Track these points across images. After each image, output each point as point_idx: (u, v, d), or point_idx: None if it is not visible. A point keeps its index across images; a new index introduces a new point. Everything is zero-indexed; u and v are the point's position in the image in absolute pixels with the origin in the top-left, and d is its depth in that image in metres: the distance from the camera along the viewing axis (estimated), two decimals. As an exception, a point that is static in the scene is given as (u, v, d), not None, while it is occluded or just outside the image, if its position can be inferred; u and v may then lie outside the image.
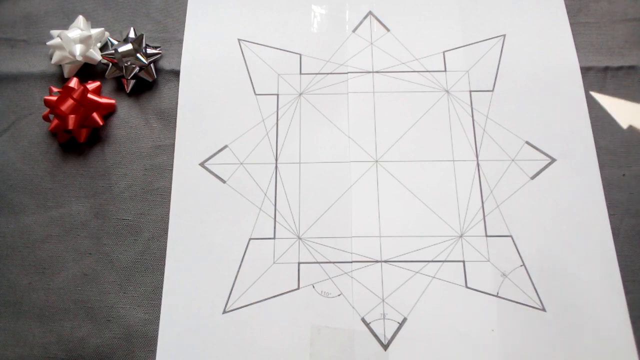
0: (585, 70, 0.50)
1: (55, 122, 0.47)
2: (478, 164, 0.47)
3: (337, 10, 0.53)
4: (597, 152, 0.47)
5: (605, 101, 0.49)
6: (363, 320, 0.42)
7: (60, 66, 0.51)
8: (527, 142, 0.48)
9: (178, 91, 0.50)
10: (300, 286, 0.43)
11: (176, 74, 0.51)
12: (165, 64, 0.51)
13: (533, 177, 0.46)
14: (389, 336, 0.42)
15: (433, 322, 0.42)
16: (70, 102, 0.46)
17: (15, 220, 0.46)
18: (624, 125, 0.48)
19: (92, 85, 0.49)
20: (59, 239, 0.46)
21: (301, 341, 0.42)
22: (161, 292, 0.44)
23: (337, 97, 0.50)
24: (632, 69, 0.50)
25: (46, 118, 0.48)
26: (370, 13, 0.53)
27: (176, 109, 0.49)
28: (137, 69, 0.49)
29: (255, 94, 0.50)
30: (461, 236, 0.45)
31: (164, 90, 0.50)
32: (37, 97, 0.50)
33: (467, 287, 0.43)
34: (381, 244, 0.44)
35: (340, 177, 0.47)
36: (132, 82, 0.50)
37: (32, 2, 0.54)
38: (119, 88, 0.51)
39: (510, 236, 0.45)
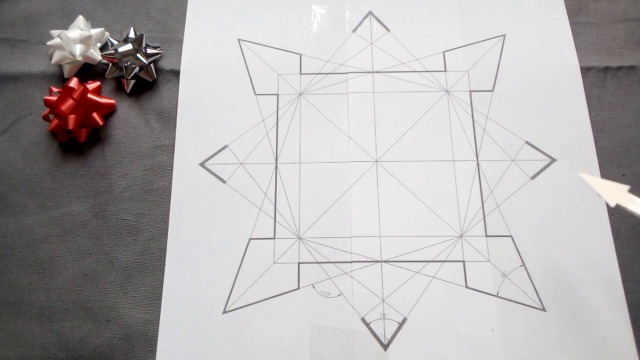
0: (585, 70, 0.50)
1: (55, 122, 0.47)
2: (478, 164, 0.47)
3: (337, 10, 0.53)
4: (597, 152, 0.47)
5: (605, 101, 0.49)
6: (363, 320, 0.42)
7: (60, 66, 0.51)
8: (527, 142, 0.48)
9: (178, 91, 0.50)
10: (300, 286, 0.43)
11: (176, 74, 0.51)
12: (165, 64, 0.51)
13: (533, 177, 0.46)
14: (389, 336, 0.42)
15: (433, 322, 0.42)
16: (70, 102, 0.46)
17: (15, 220, 0.46)
18: (624, 125, 0.48)
19: (92, 85, 0.49)
20: (59, 239, 0.46)
21: (301, 341, 0.42)
22: (161, 292, 0.44)
23: (337, 97, 0.50)
24: (632, 69, 0.50)
25: (46, 118, 0.48)
26: (370, 13, 0.53)
27: (176, 109, 0.49)
28: (137, 69, 0.49)
29: (255, 94, 0.50)
30: (461, 236, 0.45)
31: (164, 90, 0.50)
32: (37, 97, 0.50)
33: (467, 287, 0.43)
34: (381, 244, 0.44)
35: (340, 177, 0.47)
36: (132, 82, 0.50)
37: (32, 2, 0.54)
38: (119, 88, 0.51)
39: (510, 236, 0.45)
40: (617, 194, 0.37)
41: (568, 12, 0.52)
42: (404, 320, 0.42)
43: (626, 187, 0.37)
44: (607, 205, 0.45)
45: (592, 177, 0.39)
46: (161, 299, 0.43)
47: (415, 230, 0.45)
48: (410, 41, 0.52)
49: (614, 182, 0.38)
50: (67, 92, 0.47)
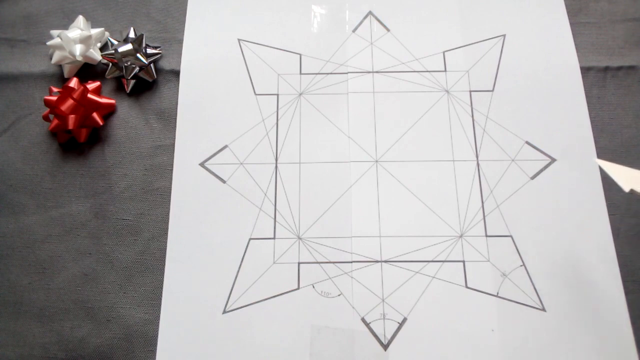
0: (585, 70, 0.50)
1: (55, 122, 0.47)
2: (478, 164, 0.47)
3: (337, 10, 0.53)
4: (597, 152, 0.47)
5: (605, 101, 0.49)
6: (363, 320, 0.42)
7: (60, 66, 0.51)
8: (527, 142, 0.48)
9: (178, 91, 0.50)
10: (300, 286, 0.43)
11: (176, 74, 0.51)
12: (165, 64, 0.51)
13: (533, 177, 0.46)
14: (389, 336, 0.42)
15: (433, 322, 0.42)
16: (70, 102, 0.46)
17: (15, 220, 0.46)
18: (624, 125, 0.48)
19: (92, 85, 0.49)
20: (59, 239, 0.46)
21: (301, 341, 0.42)
22: (161, 292, 0.44)
23: (337, 97, 0.50)
24: (632, 69, 0.50)
25: (46, 118, 0.48)
26: (370, 13, 0.53)
27: (176, 109, 0.49)
28: (137, 69, 0.49)
29: (255, 94, 0.50)
30: (461, 236, 0.45)
31: (164, 90, 0.50)
32: (37, 97, 0.50)
33: (467, 287, 0.43)
34: (381, 244, 0.44)
35: (340, 177, 0.47)
36: (132, 82, 0.50)
37: (32, 2, 0.54)
38: (119, 88, 0.51)
39: (510, 236, 0.45)
40: (632, 178, 0.36)
41: (568, 12, 0.52)
42: (404, 320, 0.42)
43: None
44: (607, 205, 0.45)
45: (606, 163, 0.38)
46: (161, 299, 0.43)
47: (415, 230, 0.45)
48: (410, 41, 0.52)
49: (628, 168, 0.37)
50: (67, 92, 0.47)
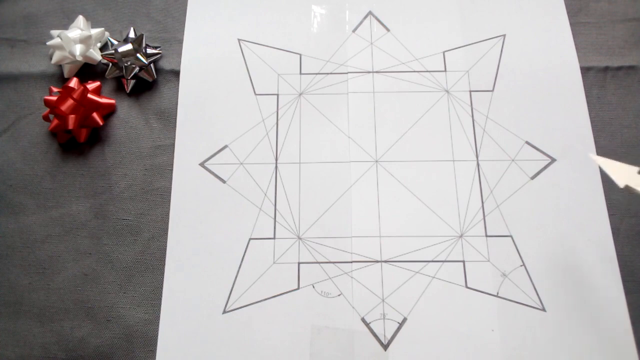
0: (585, 70, 0.50)
1: (55, 122, 0.47)
2: (478, 164, 0.47)
3: (337, 10, 0.53)
4: (597, 152, 0.47)
5: (605, 101, 0.49)
6: (363, 320, 0.42)
7: (60, 66, 0.51)
8: (527, 142, 0.48)
9: (178, 91, 0.50)
10: (300, 286, 0.43)
11: (176, 74, 0.51)
12: (165, 64, 0.51)
13: (533, 177, 0.46)
14: (389, 336, 0.42)
15: (433, 322, 0.42)
16: (70, 102, 0.46)
17: (15, 220, 0.46)
18: (624, 125, 0.48)
19: (92, 85, 0.49)
20: (59, 239, 0.46)
21: (301, 341, 0.42)
22: (161, 292, 0.44)
23: (337, 97, 0.50)
24: (632, 69, 0.50)
25: (46, 118, 0.48)
26: (370, 13, 0.53)
27: (176, 109, 0.49)
28: (137, 69, 0.49)
29: (255, 94, 0.50)
30: (461, 236, 0.45)
31: (164, 90, 0.50)
32: (37, 97, 0.50)
33: (467, 287, 0.43)
34: (381, 244, 0.44)
35: (340, 177, 0.47)
36: (132, 82, 0.50)
37: (32, 2, 0.54)
38: (119, 88, 0.51)
39: (510, 236, 0.45)
40: (627, 175, 0.36)
41: (568, 12, 0.52)
42: (404, 320, 0.42)
43: (636, 169, 0.36)
44: (607, 205, 0.45)
45: (601, 158, 0.38)
46: (161, 299, 0.43)
47: (415, 230, 0.45)
48: (410, 41, 0.52)
49: (624, 164, 0.37)
50: (67, 92, 0.47)
